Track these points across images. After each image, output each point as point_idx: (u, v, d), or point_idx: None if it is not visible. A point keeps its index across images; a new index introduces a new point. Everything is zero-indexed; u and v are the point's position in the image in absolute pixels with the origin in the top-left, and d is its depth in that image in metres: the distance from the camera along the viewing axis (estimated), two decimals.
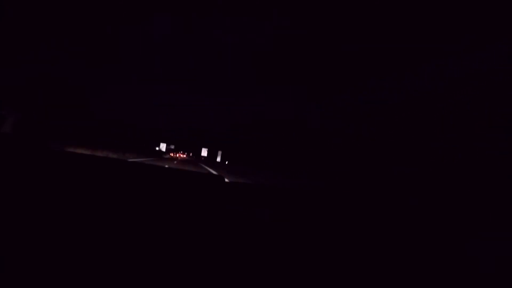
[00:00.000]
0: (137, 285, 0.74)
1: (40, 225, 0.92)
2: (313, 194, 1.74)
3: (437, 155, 6.49)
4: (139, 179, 1.53)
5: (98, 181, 1.33)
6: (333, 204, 1.64)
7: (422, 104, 7.33)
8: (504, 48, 5.38)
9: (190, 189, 1.48)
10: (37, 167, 1.37)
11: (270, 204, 1.46)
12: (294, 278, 0.84)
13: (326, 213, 1.47)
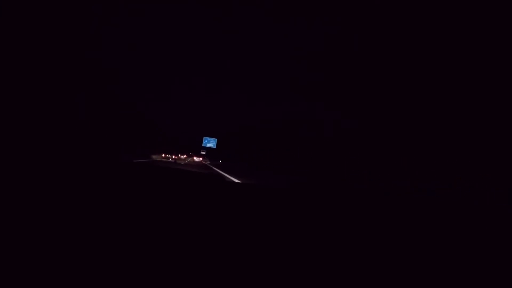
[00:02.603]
0: (138, 283, 0.74)
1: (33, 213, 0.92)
2: (308, 193, 1.74)
3: (437, 155, 6.49)
4: (144, 179, 1.53)
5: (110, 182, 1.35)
6: (328, 203, 1.63)
7: (421, 104, 7.33)
8: (504, 48, 5.39)
9: (191, 189, 1.48)
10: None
11: (269, 202, 1.45)
12: (293, 276, 0.84)
13: (322, 211, 1.47)
